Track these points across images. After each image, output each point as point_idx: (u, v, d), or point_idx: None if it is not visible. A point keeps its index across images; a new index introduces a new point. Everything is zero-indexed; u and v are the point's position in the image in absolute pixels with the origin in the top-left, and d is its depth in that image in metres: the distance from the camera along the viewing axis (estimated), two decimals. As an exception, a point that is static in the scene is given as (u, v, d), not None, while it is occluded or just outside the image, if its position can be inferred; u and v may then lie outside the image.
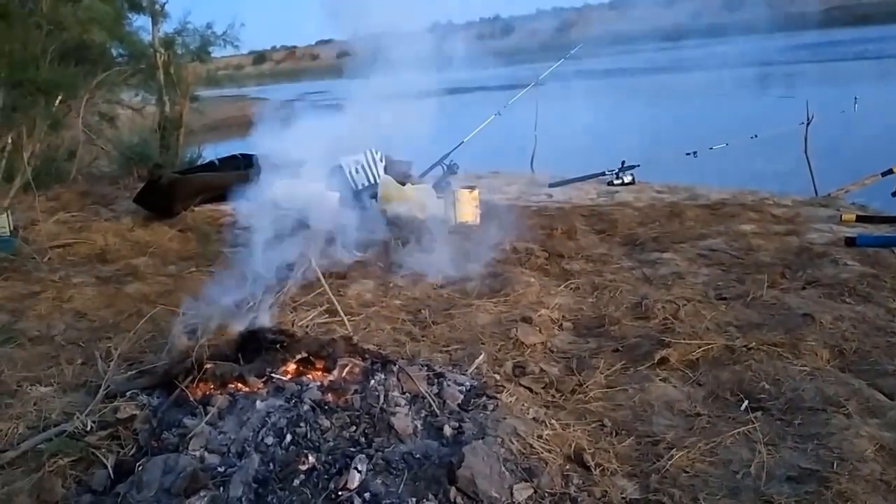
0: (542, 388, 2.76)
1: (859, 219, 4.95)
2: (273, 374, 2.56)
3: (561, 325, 3.42)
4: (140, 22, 9.14)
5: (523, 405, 2.54)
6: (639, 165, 7.31)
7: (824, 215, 5.22)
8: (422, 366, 2.77)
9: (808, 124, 6.91)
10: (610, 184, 7.12)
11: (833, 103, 8.29)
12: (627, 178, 7.13)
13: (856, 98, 7.23)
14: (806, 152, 6.84)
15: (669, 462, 2.19)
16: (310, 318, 3.42)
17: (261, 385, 2.51)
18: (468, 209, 5.51)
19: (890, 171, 5.66)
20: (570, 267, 4.35)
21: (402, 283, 4.19)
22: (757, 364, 2.74)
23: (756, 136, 7.36)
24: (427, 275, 4.24)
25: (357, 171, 6.40)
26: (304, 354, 2.69)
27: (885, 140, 9.01)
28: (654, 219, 5.45)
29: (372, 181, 6.29)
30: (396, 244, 4.80)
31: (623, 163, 7.26)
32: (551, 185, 7.16)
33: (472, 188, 5.60)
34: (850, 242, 4.26)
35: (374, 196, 6.00)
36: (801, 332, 2.98)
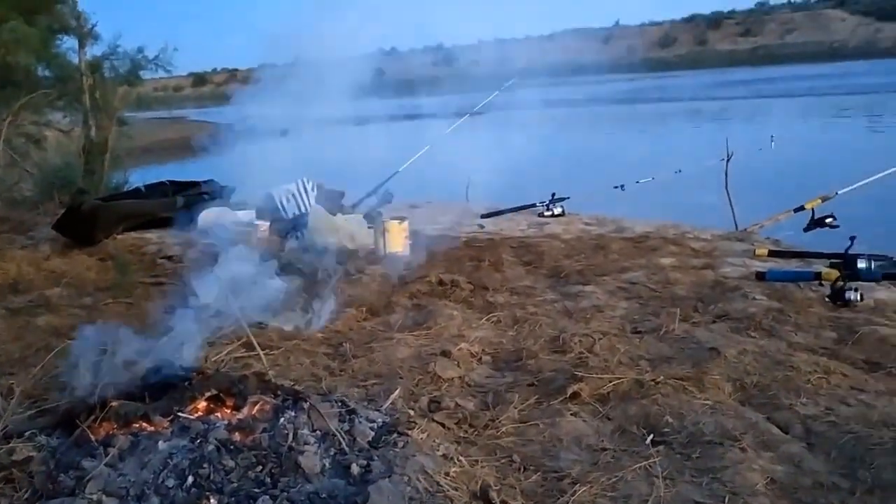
0: (456, 423, 2.77)
1: (771, 253, 5.13)
2: (180, 413, 2.51)
3: (480, 358, 3.45)
4: (70, 43, 8.96)
5: (434, 441, 2.55)
6: (569, 198, 7.48)
7: (739, 249, 5.42)
8: (335, 402, 2.75)
9: (727, 160, 7.18)
10: (541, 215, 7.26)
11: (754, 139, 8.65)
12: (558, 210, 7.29)
13: (772, 136, 7.56)
14: (726, 187, 7.10)
15: (572, 498, 2.22)
16: (226, 352, 3.37)
17: (166, 424, 2.46)
18: (398, 240, 5.54)
19: (801, 208, 5.90)
20: (495, 299, 4.40)
21: (326, 315, 4.17)
22: (663, 398, 2.82)
23: (680, 170, 7.62)
24: (350, 307, 4.24)
25: (288, 201, 6.38)
26: (214, 392, 2.65)
27: (800, 176, 9.44)
28: (580, 251, 5.57)
29: (303, 210, 6.27)
30: (322, 276, 4.78)
31: (553, 195, 7.41)
32: (483, 216, 7.26)
33: (402, 219, 5.63)
34: (761, 277, 4.41)
35: (304, 226, 5.98)
36: (708, 366, 3.08)
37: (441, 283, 4.62)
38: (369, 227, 5.93)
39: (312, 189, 6.39)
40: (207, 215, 6.49)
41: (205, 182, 7.91)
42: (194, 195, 7.41)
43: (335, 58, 6.24)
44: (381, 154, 8.33)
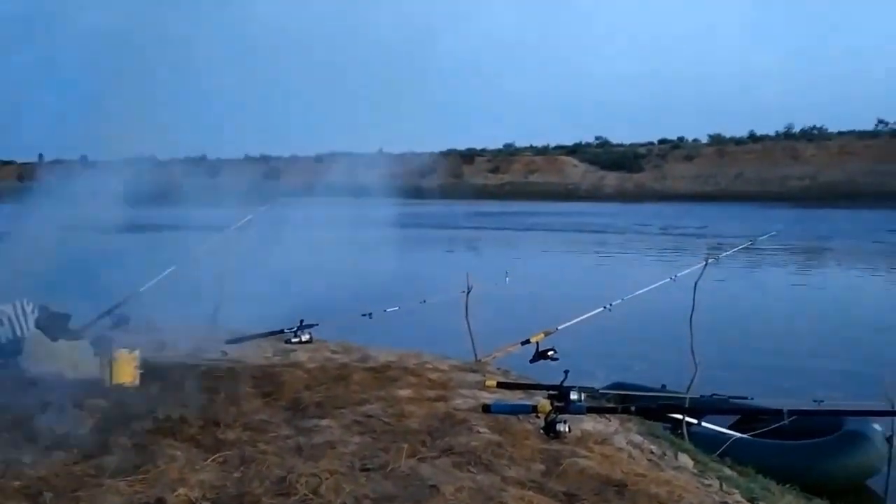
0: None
1: (499, 385, 5.50)
2: None
3: (198, 505, 3.26)
4: None
5: None
6: (318, 324, 7.52)
7: (472, 381, 5.76)
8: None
9: (468, 293, 7.71)
10: (288, 342, 7.20)
11: (498, 269, 9.34)
12: (305, 337, 7.28)
13: (507, 272, 8.29)
14: (467, 318, 7.58)
15: None
16: None
17: None
18: (126, 370, 5.18)
19: (528, 341, 6.46)
20: (225, 436, 4.22)
21: (28, 459, 3.73)
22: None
23: (425, 301, 8.03)
24: (60, 447, 3.84)
25: (1, 324, 5.75)
26: None
27: (534, 309, 10.37)
28: (322, 382, 5.56)
29: (18, 335, 5.67)
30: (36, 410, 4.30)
31: (302, 321, 7.41)
32: (228, 342, 7.03)
33: (132, 348, 5.29)
34: (486, 409, 4.68)
35: (18, 353, 5.40)
36: (427, 505, 3.18)
37: (168, 418, 4.36)
38: (95, 355, 5.49)
39: (33, 311, 5.83)
40: None
41: None
42: None
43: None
44: (120, 271, 7.88)
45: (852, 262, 23.91)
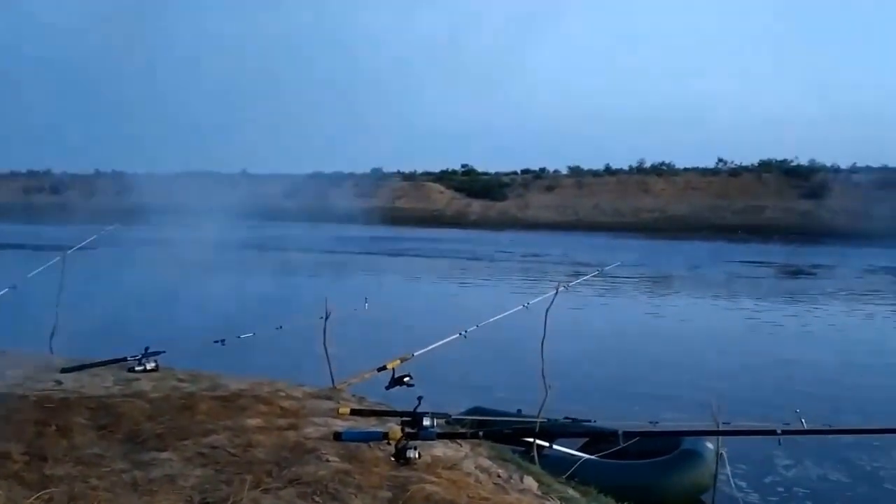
0: None
1: (353, 412, 5.45)
2: None
3: (15, 549, 3.01)
4: None
5: None
6: (164, 352, 7.17)
7: (326, 408, 5.68)
8: None
9: (326, 318, 7.63)
10: (131, 370, 6.81)
11: (358, 293, 9.30)
12: (150, 365, 6.91)
13: (366, 298, 8.28)
14: (324, 345, 7.49)
15: None
16: None
17: None
18: (-59, 402, 4.72)
19: (384, 367, 6.46)
20: (54, 472, 3.93)
21: None
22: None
23: (281, 326, 7.86)
24: None
25: None
26: None
27: (393, 334, 10.39)
28: (165, 412, 5.30)
29: None
30: None
31: (147, 348, 7.04)
32: (64, 371, 6.57)
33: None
34: (338, 437, 4.65)
35: None
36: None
37: (-13, 455, 4.01)
38: None
39: None
40: None
41: None
42: None
43: None
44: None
45: (694, 290, 25.70)
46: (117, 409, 5.26)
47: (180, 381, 6.53)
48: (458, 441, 5.14)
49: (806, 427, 3.83)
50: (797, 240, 48.51)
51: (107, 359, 6.91)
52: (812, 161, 67.08)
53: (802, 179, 64.39)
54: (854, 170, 64.92)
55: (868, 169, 63.97)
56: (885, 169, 62.54)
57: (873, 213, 49.91)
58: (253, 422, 5.10)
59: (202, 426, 4.98)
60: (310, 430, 4.95)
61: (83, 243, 8.33)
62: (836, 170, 65.84)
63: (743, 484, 7.59)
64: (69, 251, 8.22)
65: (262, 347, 7.68)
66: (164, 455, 4.32)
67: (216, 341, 7.42)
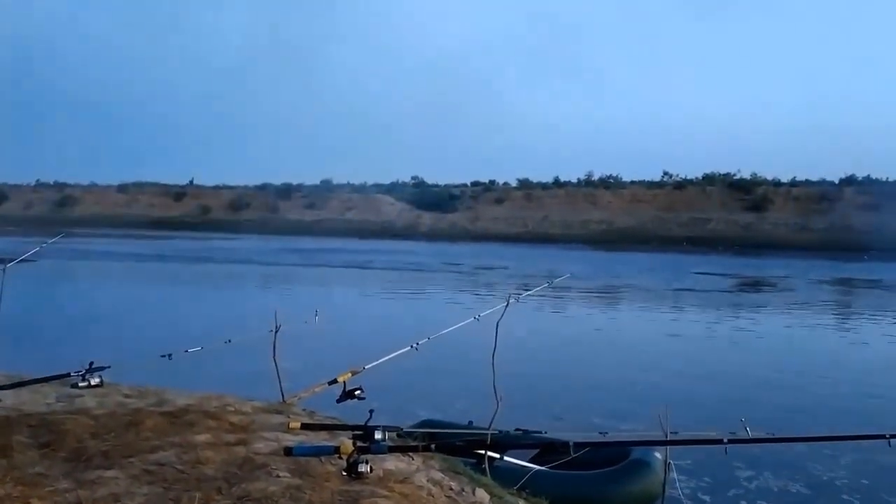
0: None
1: (304, 426, 5.39)
2: None
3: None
4: None
5: None
6: (109, 367, 6.98)
7: (276, 423, 5.62)
8: None
9: (276, 332, 7.55)
10: (74, 386, 6.62)
11: (307, 306, 9.24)
12: (95, 381, 6.72)
13: (316, 311, 8.21)
14: (274, 358, 7.41)
15: None
16: None
17: None
18: None
19: (335, 381, 6.42)
20: (-9, 493, 3.81)
21: None
22: None
23: (230, 340, 7.74)
24: None
25: None
26: None
27: (343, 348, 10.33)
28: (110, 429, 5.17)
29: None
30: None
31: (91, 363, 6.85)
32: (2, 388, 6.35)
33: None
34: (288, 452, 4.59)
35: None
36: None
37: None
38: None
39: None
40: None
41: None
42: None
43: None
44: None
45: (642, 301, 26.18)
46: (60, 427, 5.11)
47: (126, 396, 6.39)
48: (410, 454, 5.13)
49: (751, 436, 3.94)
50: (740, 251, 49.91)
51: (49, 375, 6.69)
52: (754, 175, 69.27)
53: (745, 192, 66.37)
54: (794, 183, 67.22)
55: (807, 182, 66.34)
56: (823, 182, 64.98)
57: (812, 226, 51.76)
58: (201, 438, 5.02)
59: (149, 443, 4.88)
60: (260, 446, 4.90)
61: (24, 255, 8.08)
62: (776, 183, 68.07)
63: (693, 492, 7.75)
64: (9, 264, 7.97)
65: (211, 362, 7.55)
66: (110, 473, 4.22)
67: (163, 356, 7.24)
